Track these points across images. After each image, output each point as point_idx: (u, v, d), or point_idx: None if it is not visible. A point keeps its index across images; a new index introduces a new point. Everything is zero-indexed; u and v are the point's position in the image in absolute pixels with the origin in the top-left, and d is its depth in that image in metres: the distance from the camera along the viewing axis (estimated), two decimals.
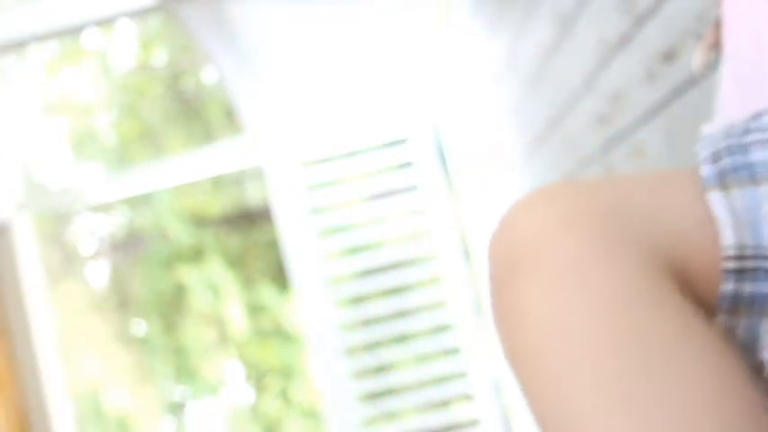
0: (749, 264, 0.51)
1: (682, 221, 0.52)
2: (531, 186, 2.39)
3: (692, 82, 1.21)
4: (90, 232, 5.81)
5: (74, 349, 5.44)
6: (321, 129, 3.28)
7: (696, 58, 0.78)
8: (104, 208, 5.68)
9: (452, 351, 3.20)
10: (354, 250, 3.27)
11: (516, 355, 0.51)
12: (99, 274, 5.87)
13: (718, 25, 0.78)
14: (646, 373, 0.47)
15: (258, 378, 5.72)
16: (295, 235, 3.21)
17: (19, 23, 2.84)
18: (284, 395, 5.65)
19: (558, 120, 1.96)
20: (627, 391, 0.47)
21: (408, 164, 3.26)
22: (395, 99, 3.28)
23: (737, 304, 0.52)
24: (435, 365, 3.18)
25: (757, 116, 0.58)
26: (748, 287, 0.51)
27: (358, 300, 3.25)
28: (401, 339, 3.21)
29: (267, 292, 5.63)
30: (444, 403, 3.20)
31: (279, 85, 3.18)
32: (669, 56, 1.26)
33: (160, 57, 5.76)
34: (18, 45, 2.94)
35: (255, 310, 5.67)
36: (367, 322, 3.22)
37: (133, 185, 3.38)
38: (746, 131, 0.55)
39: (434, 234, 3.22)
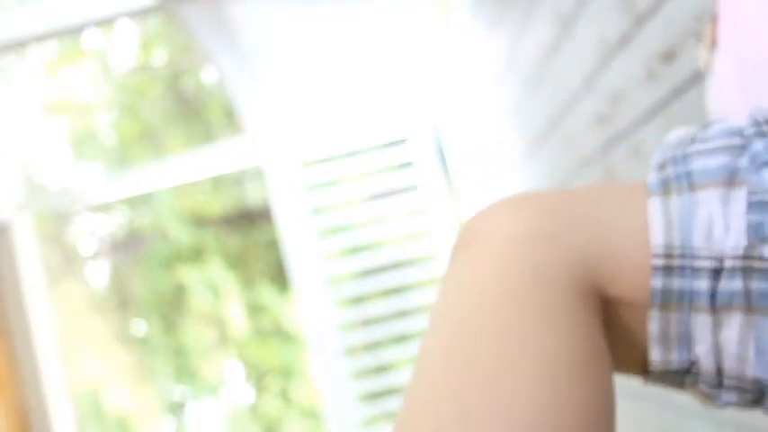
0: (676, 262, 0.56)
1: (622, 225, 0.58)
2: (530, 186, 2.39)
3: (692, 82, 1.21)
4: (90, 232, 5.81)
5: (74, 349, 5.44)
6: (321, 129, 3.28)
7: (701, 57, 0.79)
8: (104, 208, 5.68)
9: None
10: (354, 250, 3.27)
11: (433, 309, 0.60)
12: (99, 274, 5.87)
13: (716, 21, 0.78)
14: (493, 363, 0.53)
15: (258, 378, 5.71)
16: (295, 235, 3.21)
17: (19, 23, 2.84)
18: (284, 395, 5.65)
19: (558, 120, 1.96)
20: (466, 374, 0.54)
21: (408, 164, 3.26)
22: (395, 99, 3.28)
23: (668, 299, 0.56)
24: None
25: (705, 126, 0.62)
26: (676, 283, 0.56)
27: (358, 300, 3.25)
28: (401, 339, 3.21)
29: (267, 292, 5.63)
30: None
31: (279, 85, 3.18)
32: (669, 56, 1.26)
33: (160, 57, 5.75)
34: (18, 45, 2.94)
35: (255, 310, 5.67)
36: (367, 322, 3.22)
37: (133, 185, 3.38)
38: (693, 141, 0.60)
39: (434, 234, 3.22)
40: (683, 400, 1.50)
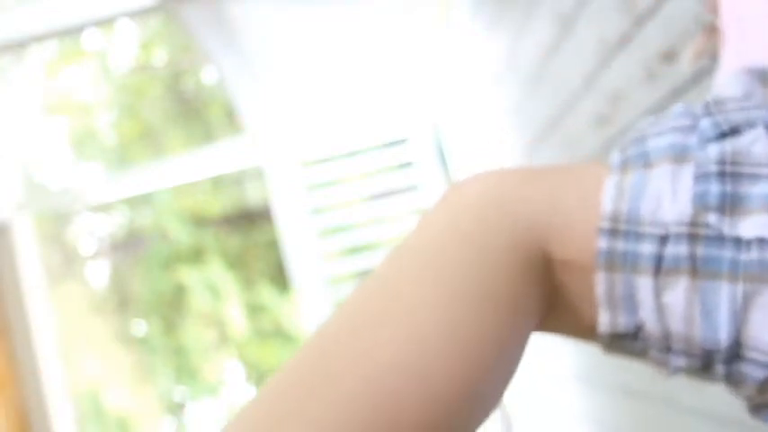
0: (622, 226, 0.60)
1: (578, 197, 0.62)
2: None
3: (692, 82, 1.21)
4: (90, 232, 5.81)
5: (74, 349, 5.44)
6: (321, 129, 3.28)
7: (688, 60, 0.81)
8: (104, 208, 5.68)
9: None
10: (354, 250, 3.27)
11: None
12: (99, 274, 5.87)
13: (709, 31, 0.78)
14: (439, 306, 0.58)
15: (258, 378, 5.71)
16: (295, 235, 3.21)
17: (19, 23, 2.84)
18: None
19: (558, 120, 1.96)
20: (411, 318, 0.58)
21: (408, 164, 3.26)
22: (395, 99, 3.28)
23: (612, 260, 0.60)
24: None
25: (668, 111, 0.66)
26: (621, 245, 0.59)
27: None
28: None
29: (267, 293, 5.63)
30: None
31: (279, 85, 3.18)
32: (669, 56, 1.26)
33: (160, 57, 5.76)
34: (18, 45, 2.94)
35: (255, 310, 5.67)
36: None
37: (133, 185, 3.38)
38: (652, 124, 0.65)
39: None
40: (685, 399, 1.50)
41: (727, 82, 0.66)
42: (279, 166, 3.24)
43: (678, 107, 0.65)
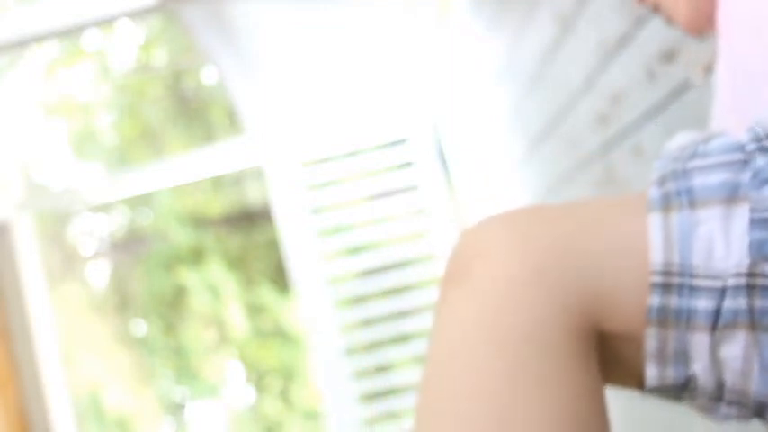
0: (675, 280, 0.56)
1: (621, 251, 0.57)
2: (531, 186, 2.40)
3: (691, 82, 1.21)
4: (90, 232, 5.81)
5: (74, 349, 5.43)
6: (321, 129, 3.28)
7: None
8: (104, 208, 5.68)
9: None
10: (354, 250, 3.27)
11: (428, 351, 0.60)
12: (99, 274, 5.87)
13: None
14: (500, 404, 0.54)
15: (258, 379, 5.71)
16: (295, 235, 3.21)
17: (19, 23, 2.83)
18: (284, 396, 5.65)
19: (558, 120, 1.96)
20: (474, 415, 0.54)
21: (408, 164, 3.26)
22: (395, 99, 3.28)
23: (665, 317, 0.56)
24: None
25: (707, 140, 0.62)
26: (674, 301, 0.56)
27: (358, 300, 3.25)
28: (401, 339, 3.21)
29: (267, 293, 5.63)
30: None
31: (279, 86, 3.18)
32: (669, 56, 1.26)
33: (160, 57, 5.75)
34: (18, 45, 2.94)
35: (255, 310, 5.67)
36: (367, 322, 3.22)
37: (133, 185, 3.38)
38: (693, 156, 0.60)
39: (434, 234, 3.22)
40: None
41: None
42: (279, 166, 3.24)
43: (723, 139, 0.61)
